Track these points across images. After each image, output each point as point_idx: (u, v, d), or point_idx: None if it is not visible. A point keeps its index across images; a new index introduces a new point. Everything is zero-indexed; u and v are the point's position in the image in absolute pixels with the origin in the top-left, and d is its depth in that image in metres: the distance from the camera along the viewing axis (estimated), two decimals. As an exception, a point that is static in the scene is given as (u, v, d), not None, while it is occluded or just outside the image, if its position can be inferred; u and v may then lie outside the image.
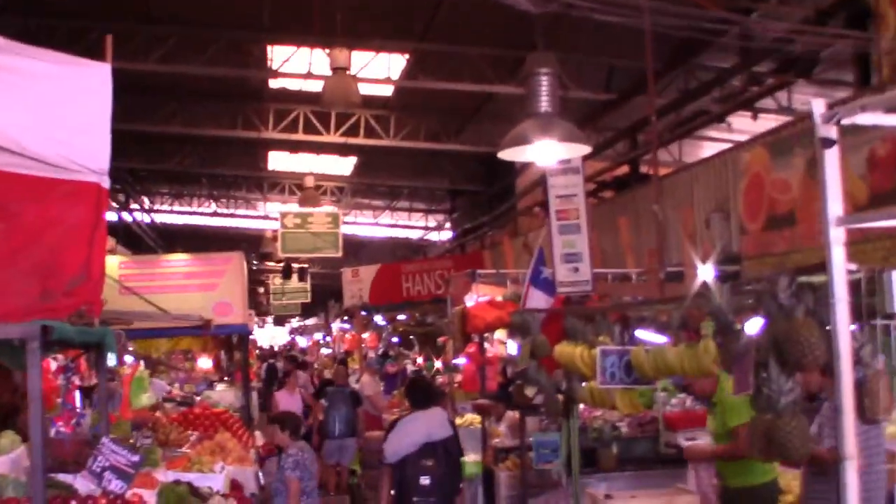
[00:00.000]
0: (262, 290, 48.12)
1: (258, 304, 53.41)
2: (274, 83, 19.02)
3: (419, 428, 8.64)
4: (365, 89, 18.74)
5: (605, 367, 6.24)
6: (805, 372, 4.40)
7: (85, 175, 5.79)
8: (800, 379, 4.41)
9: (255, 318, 58.40)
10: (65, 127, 5.75)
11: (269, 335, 59.33)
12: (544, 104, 6.66)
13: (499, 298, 10.30)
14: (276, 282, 42.24)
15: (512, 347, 9.27)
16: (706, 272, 8.56)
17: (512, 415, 10.90)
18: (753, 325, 4.76)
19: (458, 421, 12.61)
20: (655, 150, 8.33)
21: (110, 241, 19.13)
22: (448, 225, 31.10)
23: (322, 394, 16.27)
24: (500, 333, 11.25)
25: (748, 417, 7.33)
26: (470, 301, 11.02)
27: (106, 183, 5.88)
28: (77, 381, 6.68)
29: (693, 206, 10.99)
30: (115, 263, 14.15)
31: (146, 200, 30.50)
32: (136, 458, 5.67)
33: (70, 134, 5.75)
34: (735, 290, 5.20)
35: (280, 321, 57.83)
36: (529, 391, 7.88)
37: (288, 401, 15.39)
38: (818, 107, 3.85)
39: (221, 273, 14.35)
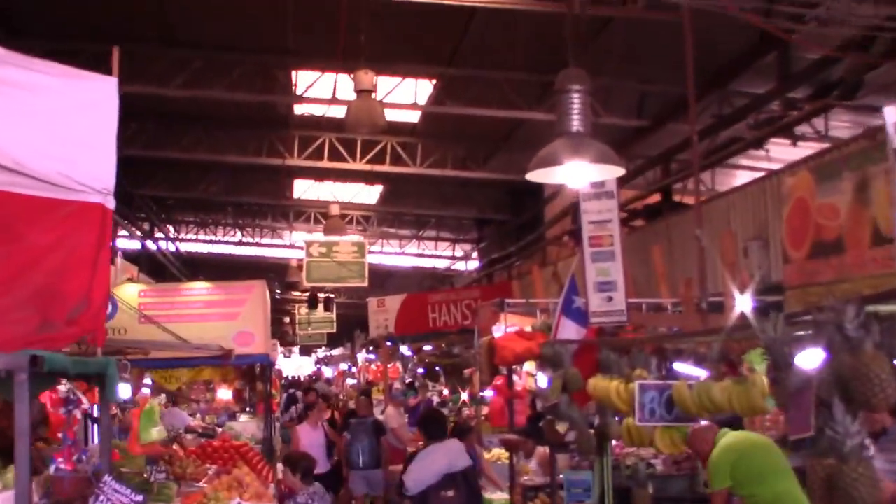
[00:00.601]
0: (287, 319, 47.82)
1: (284, 334, 53.18)
2: (299, 109, 18.78)
3: (440, 459, 8.76)
4: (391, 116, 18.47)
5: (643, 403, 5.79)
6: (874, 412, 3.94)
7: (88, 195, 5.45)
8: (864, 418, 3.96)
9: (281, 349, 58.29)
10: (67, 144, 5.41)
11: (295, 365, 58.99)
12: (576, 123, 6.26)
13: (528, 329, 9.86)
14: (301, 312, 41.95)
15: (542, 380, 8.82)
16: (744, 303, 8.12)
17: (542, 450, 10.44)
18: (808, 359, 4.32)
19: (487, 456, 12.18)
20: (697, 172, 7.88)
21: (131, 269, 18.89)
22: (475, 255, 30.69)
23: (346, 426, 15.86)
24: (529, 366, 10.79)
25: (726, 485, 6.95)
26: (498, 332, 10.60)
27: (111, 203, 5.53)
28: (79, 415, 6.28)
29: (730, 234, 10.56)
30: (134, 292, 13.89)
31: (171, 229, 30.34)
32: (139, 499, 5.28)
33: (73, 151, 5.41)
34: (787, 321, 4.75)
35: (306, 351, 57.54)
36: (561, 427, 7.43)
37: (311, 435, 14.71)
38: (891, 115, 3.43)
39: (243, 302, 14.01)
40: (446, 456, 8.77)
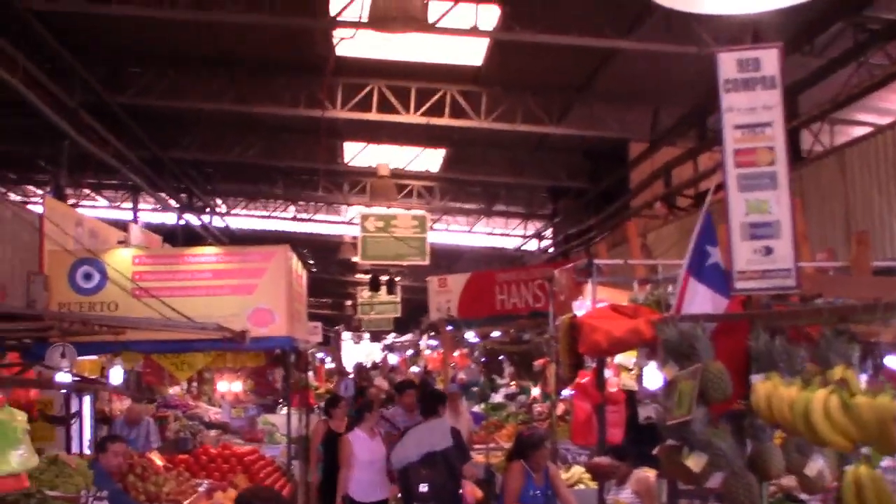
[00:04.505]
0: (349, 303, 45.56)
1: (348, 319, 50.87)
2: (341, 50, 15.81)
3: (424, 438, 9.33)
4: (449, 56, 15.62)
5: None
6: None
7: None
8: None
9: (350, 335, 56.14)
10: None
11: (364, 352, 56.74)
12: None
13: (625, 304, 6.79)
14: (363, 295, 39.77)
15: (652, 378, 5.80)
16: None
17: (642, 476, 7.39)
18: None
19: (563, 475, 9.18)
20: None
21: (156, 239, 16.27)
22: (549, 233, 27.60)
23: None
24: (623, 357, 7.72)
25: None
26: (580, 309, 7.56)
27: None
28: None
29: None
30: (128, 257, 11.46)
31: (220, 202, 27.84)
32: None
33: None
34: None
35: (376, 337, 55.51)
36: (693, 461, 4.40)
37: (367, 448, 10.27)
38: None
39: (261, 272, 11.38)
40: (430, 436, 9.31)
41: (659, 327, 4.91)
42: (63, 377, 7.11)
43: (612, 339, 5.71)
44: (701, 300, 5.11)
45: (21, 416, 4.33)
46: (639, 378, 6.88)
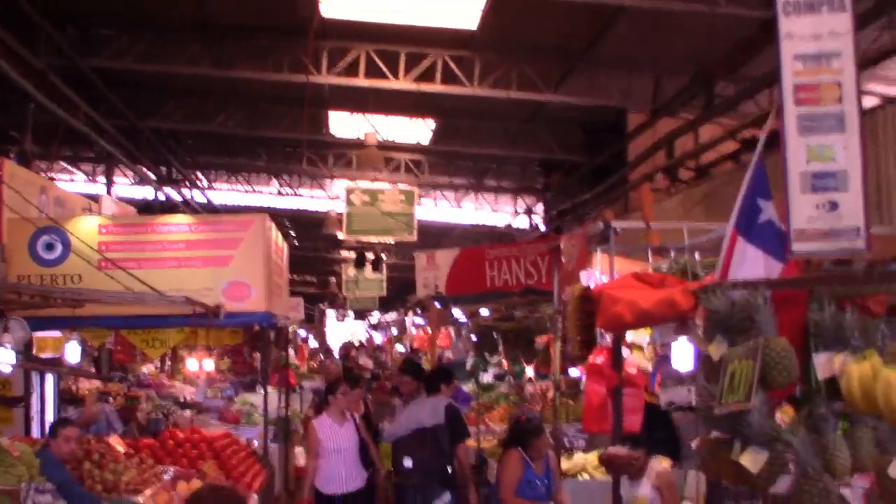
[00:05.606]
0: (334, 280, 44.85)
1: (332, 297, 50.10)
2: (327, 11, 14.87)
3: (415, 415, 9.46)
4: (441, 19, 14.78)
5: None
6: None
7: None
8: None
9: (334, 312, 55.42)
10: None
11: (349, 330, 56.10)
12: None
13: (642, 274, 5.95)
14: (349, 272, 39.01)
15: (682, 357, 4.98)
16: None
17: (661, 469, 6.57)
18: None
19: (564, 465, 8.41)
20: None
21: (130, 212, 15.39)
22: (540, 209, 26.77)
23: None
24: (634, 334, 6.89)
25: None
26: (590, 280, 6.75)
27: None
28: None
29: None
30: (94, 226, 10.59)
31: (201, 176, 26.91)
32: None
33: None
34: None
35: (360, 315, 54.88)
36: (750, 459, 3.60)
37: (333, 434, 9.39)
38: None
39: (236, 242, 10.56)
40: (420, 412, 9.39)
41: (704, 296, 4.09)
42: (5, 355, 6.25)
43: (637, 312, 4.87)
44: (751, 264, 4.29)
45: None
46: (660, 357, 6.08)
